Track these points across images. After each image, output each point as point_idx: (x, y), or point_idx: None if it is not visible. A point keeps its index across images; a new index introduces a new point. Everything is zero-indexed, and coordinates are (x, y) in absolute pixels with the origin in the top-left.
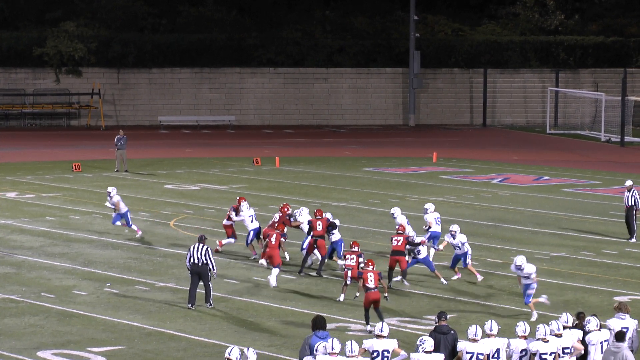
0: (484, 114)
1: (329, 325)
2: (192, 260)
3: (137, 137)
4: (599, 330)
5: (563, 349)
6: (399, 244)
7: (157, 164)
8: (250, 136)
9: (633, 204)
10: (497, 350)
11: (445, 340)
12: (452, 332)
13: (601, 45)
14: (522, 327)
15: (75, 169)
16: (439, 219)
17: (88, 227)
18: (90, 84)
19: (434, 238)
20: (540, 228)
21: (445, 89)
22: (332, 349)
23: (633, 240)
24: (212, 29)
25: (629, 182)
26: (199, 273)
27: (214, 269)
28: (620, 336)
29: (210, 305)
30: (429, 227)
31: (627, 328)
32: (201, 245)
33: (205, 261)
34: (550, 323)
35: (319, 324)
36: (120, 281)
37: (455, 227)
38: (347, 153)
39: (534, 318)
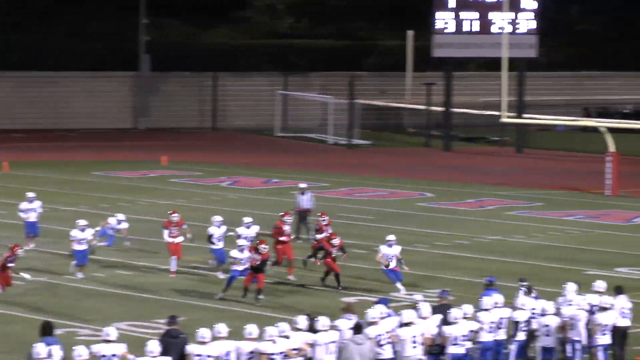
0: (214, 117)
1: (56, 331)
2: None
3: None
4: (327, 331)
5: (292, 350)
6: None
7: None
8: None
9: (308, 207)
10: (228, 353)
11: (175, 344)
12: (182, 335)
13: (332, 48)
14: (249, 330)
15: None
16: None
17: None
18: None
19: None
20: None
21: (176, 92)
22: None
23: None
24: None
25: (303, 185)
26: None
27: None
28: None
29: None
30: None
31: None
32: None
33: None
34: (278, 324)
35: (47, 330)
36: None
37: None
38: (77, 157)
39: None
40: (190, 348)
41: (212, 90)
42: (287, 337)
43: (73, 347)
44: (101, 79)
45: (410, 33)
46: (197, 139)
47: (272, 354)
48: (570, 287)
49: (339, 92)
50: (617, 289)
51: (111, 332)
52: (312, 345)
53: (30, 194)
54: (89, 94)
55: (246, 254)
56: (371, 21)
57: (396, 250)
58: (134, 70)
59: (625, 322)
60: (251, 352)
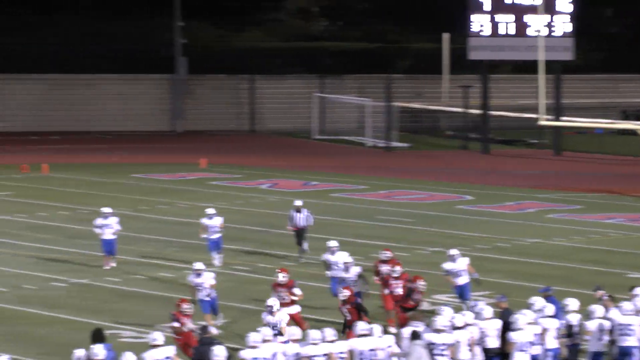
0: (251, 119)
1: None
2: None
3: None
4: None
5: (335, 353)
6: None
7: None
8: (15, 143)
9: (304, 225)
10: (274, 354)
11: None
12: (216, 342)
13: (365, 51)
14: (292, 332)
15: None
16: None
17: None
18: None
19: None
20: (310, 233)
21: (212, 94)
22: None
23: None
24: None
25: (298, 202)
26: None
27: None
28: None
29: None
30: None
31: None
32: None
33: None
34: (323, 329)
35: (98, 337)
36: None
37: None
38: (115, 159)
39: None
40: (244, 353)
41: (249, 92)
42: (330, 341)
43: (122, 353)
44: (137, 82)
45: (446, 36)
46: (233, 141)
47: (314, 356)
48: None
49: (374, 95)
50: None
51: (157, 337)
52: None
53: (106, 209)
54: (125, 96)
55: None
56: (401, 24)
57: (463, 263)
58: (170, 72)
59: None
60: (296, 355)
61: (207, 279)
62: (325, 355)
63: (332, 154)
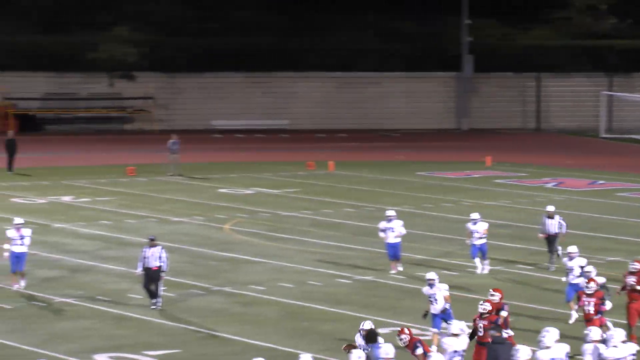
0: (537, 118)
1: (381, 330)
2: (145, 264)
3: (190, 141)
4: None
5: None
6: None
7: (211, 168)
8: (302, 140)
9: (556, 232)
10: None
11: (503, 349)
12: (507, 342)
13: None
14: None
15: (129, 173)
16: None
17: (142, 231)
18: (143, 88)
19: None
20: (595, 232)
21: (498, 92)
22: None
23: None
24: (262, 34)
25: (550, 208)
26: (151, 275)
27: (165, 269)
28: None
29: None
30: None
31: None
32: (154, 247)
33: (160, 264)
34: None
35: (372, 337)
36: (175, 285)
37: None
38: (400, 157)
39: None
40: (540, 355)
41: (536, 91)
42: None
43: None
44: (423, 80)
45: None
46: (519, 139)
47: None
48: None
49: None
50: None
51: (459, 325)
52: None
53: (390, 212)
54: (409, 94)
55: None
56: None
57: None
58: (455, 71)
59: None
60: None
61: (440, 291)
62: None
63: (620, 153)
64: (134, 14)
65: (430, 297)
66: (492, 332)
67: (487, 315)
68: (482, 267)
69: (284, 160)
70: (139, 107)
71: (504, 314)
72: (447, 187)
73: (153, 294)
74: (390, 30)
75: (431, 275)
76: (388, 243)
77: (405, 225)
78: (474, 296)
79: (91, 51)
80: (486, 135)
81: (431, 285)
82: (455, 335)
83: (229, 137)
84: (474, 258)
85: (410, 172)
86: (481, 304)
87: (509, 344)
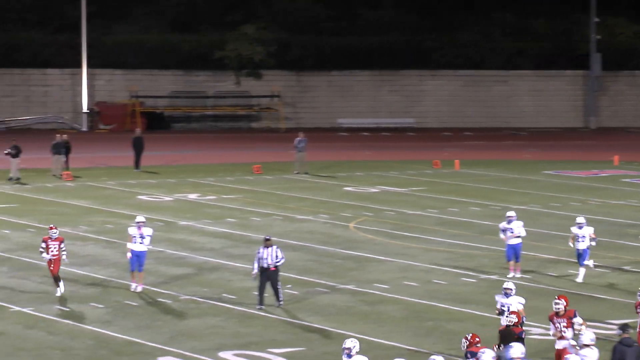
0: None
1: None
2: (262, 264)
3: (316, 140)
4: None
5: None
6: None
7: (337, 167)
8: (429, 139)
9: None
10: None
11: (630, 352)
12: (636, 344)
13: None
14: None
15: (256, 171)
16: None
17: (268, 229)
18: (270, 87)
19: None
20: None
21: (627, 91)
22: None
23: None
24: (391, 32)
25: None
26: (268, 275)
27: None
28: None
29: (281, 303)
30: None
31: None
32: (269, 247)
33: (276, 263)
34: None
35: (507, 338)
36: (300, 283)
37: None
38: (527, 156)
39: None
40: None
41: None
42: None
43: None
44: (550, 78)
45: None
46: None
47: None
48: None
49: None
50: None
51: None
52: None
53: (510, 213)
54: (538, 92)
55: None
56: None
57: None
58: (584, 69)
59: None
60: None
61: (514, 302)
62: None
63: None
64: (262, 13)
65: (502, 306)
66: (620, 333)
67: (564, 313)
68: (582, 273)
69: (410, 159)
70: (265, 106)
71: (578, 320)
72: (574, 186)
73: (270, 295)
74: (519, 28)
75: (509, 285)
76: (508, 244)
77: (532, 224)
78: (600, 296)
79: (219, 50)
80: (614, 134)
81: (507, 295)
82: (587, 345)
83: (355, 135)
84: (581, 265)
85: (537, 171)
86: (556, 303)
87: (637, 347)
